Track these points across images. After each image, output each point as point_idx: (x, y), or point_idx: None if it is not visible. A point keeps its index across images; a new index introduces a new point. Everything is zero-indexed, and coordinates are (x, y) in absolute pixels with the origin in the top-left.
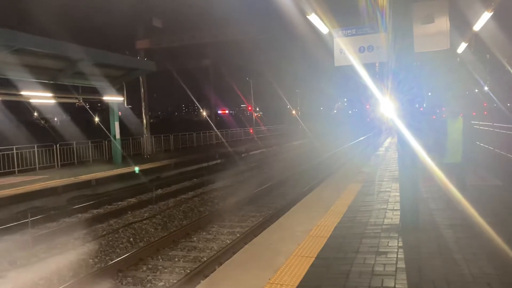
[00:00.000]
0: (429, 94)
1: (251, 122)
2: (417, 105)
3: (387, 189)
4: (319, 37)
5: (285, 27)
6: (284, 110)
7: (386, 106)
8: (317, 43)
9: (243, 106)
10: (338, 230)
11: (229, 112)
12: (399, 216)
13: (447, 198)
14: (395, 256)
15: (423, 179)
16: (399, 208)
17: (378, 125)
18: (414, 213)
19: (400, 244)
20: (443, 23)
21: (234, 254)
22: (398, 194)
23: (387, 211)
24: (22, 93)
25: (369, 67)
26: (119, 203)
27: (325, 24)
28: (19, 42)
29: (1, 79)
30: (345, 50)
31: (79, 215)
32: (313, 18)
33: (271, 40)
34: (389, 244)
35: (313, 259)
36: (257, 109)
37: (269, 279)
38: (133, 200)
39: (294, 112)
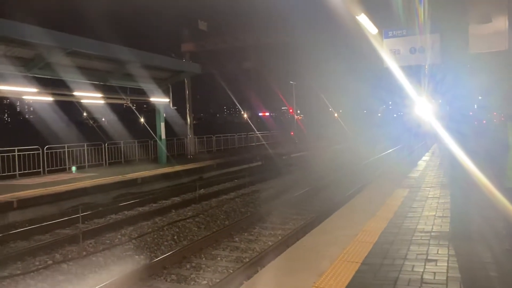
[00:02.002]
0: (479, 97)
1: (292, 124)
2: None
3: (435, 196)
4: (366, 38)
5: (329, 28)
6: (326, 112)
7: (425, 108)
8: (364, 44)
9: (284, 109)
10: (385, 236)
11: (270, 114)
12: (448, 224)
13: (501, 206)
14: (446, 264)
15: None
16: (448, 215)
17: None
18: (466, 221)
19: (451, 252)
20: (501, 22)
21: (277, 256)
22: (446, 200)
23: (436, 218)
24: (75, 93)
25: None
26: (164, 201)
27: (374, 24)
28: (73, 45)
29: (56, 80)
30: (396, 51)
31: (126, 212)
32: (362, 19)
33: (314, 42)
34: (439, 252)
35: (359, 264)
36: (298, 111)
37: (314, 283)
38: (177, 199)
39: (336, 114)
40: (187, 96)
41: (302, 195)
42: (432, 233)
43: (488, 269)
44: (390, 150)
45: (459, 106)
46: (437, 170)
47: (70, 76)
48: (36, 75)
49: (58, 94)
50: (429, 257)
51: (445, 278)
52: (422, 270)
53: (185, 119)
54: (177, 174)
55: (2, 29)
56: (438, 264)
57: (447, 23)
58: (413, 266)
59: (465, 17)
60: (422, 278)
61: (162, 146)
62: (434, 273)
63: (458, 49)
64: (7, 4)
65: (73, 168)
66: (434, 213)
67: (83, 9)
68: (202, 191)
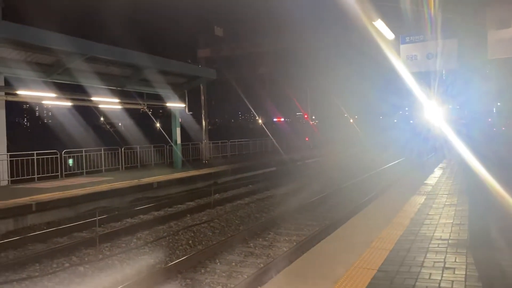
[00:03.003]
0: (498, 104)
1: (307, 130)
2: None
3: (453, 203)
4: (382, 44)
5: (344, 34)
6: (341, 118)
7: (439, 113)
8: (380, 50)
9: (299, 114)
10: (401, 243)
11: (284, 120)
12: (466, 232)
13: None
14: (464, 273)
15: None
16: (466, 223)
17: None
18: (485, 229)
19: (470, 260)
20: None
21: (292, 262)
22: (464, 208)
23: (454, 225)
24: (93, 98)
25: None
26: (179, 206)
27: (391, 30)
28: (92, 51)
29: (74, 86)
30: (412, 56)
31: (141, 216)
32: (379, 24)
33: (329, 48)
34: (457, 260)
35: (375, 271)
36: (313, 117)
37: None
38: (192, 203)
39: (351, 120)
40: (202, 102)
41: (317, 201)
42: (450, 241)
43: (509, 278)
44: (405, 157)
45: (478, 111)
46: (454, 177)
47: (88, 81)
48: (56, 81)
49: (76, 99)
50: (446, 265)
51: (463, 287)
52: (439, 278)
53: (200, 124)
54: (192, 179)
55: (24, 35)
56: (456, 273)
57: (465, 28)
58: (430, 274)
59: (484, 22)
60: (439, 287)
61: (178, 151)
62: (452, 281)
63: (476, 54)
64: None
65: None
66: (451, 221)
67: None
68: (216, 196)
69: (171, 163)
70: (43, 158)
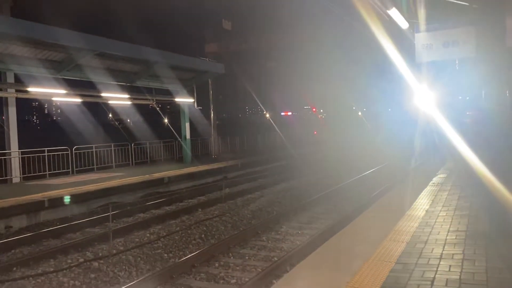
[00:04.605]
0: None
1: (315, 123)
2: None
3: (469, 195)
4: (396, 33)
5: (353, 26)
6: (349, 111)
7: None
8: (393, 40)
9: (307, 108)
10: (417, 235)
11: (292, 114)
12: (485, 223)
13: None
14: (484, 264)
15: None
16: (484, 214)
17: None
18: (504, 219)
19: (489, 252)
20: None
21: (306, 256)
22: (482, 199)
23: (470, 216)
24: (102, 94)
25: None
26: (190, 200)
27: (405, 18)
28: (101, 47)
29: (84, 82)
30: (428, 45)
31: (153, 211)
32: (393, 13)
33: (337, 40)
34: (476, 252)
35: (393, 264)
36: (321, 110)
37: (348, 282)
38: (203, 198)
39: (360, 113)
40: (210, 96)
41: (328, 194)
42: (468, 232)
43: None
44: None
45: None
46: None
47: (97, 77)
48: (65, 77)
49: (86, 95)
50: (466, 257)
51: (485, 279)
52: (459, 270)
53: (209, 119)
54: (202, 173)
55: (34, 32)
56: (476, 264)
57: (482, 15)
58: (450, 266)
59: (502, 8)
60: (460, 279)
61: (187, 146)
62: (473, 273)
63: (494, 42)
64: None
65: None
66: (467, 212)
67: (105, 9)
68: (227, 190)
69: (181, 158)
70: (54, 154)
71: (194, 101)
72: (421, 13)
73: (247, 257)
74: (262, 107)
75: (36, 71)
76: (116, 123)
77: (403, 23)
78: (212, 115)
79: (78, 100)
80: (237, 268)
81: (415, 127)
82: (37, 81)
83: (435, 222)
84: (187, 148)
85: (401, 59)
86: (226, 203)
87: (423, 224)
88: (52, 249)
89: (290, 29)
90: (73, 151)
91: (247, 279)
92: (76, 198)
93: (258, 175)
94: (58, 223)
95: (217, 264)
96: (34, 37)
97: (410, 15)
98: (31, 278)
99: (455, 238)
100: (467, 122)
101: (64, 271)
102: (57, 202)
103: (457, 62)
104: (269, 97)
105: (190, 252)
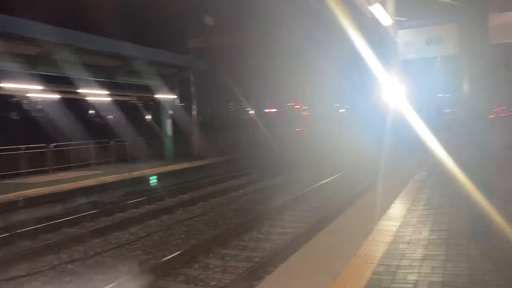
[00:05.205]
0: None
1: (299, 120)
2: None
3: (452, 192)
4: (378, 30)
5: (335, 23)
6: (331, 108)
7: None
8: (374, 36)
9: (291, 104)
10: (400, 235)
11: (276, 110)
12: (468, 222)
13: None
14: (467, 265)
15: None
16: (467, 213)
17: None
18: (486, 218)
19: (471, 252)
20: None
21: (289, 256)
22: (465, 196)
23: (453, 215)
24: (81, 90)
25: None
26: (171, 199)
27: (388, 14)
28: (79, 42)
29: (61, 77)
30: (411, 42)
31: (133, 210)
32: (376, 9)
33: (319, 36)
34: (459, 252)
35: (375, 265)
36: (305, 107)
37: (329, 286)
38: (184, 196)
39: (343, 110)
40: (192, 93)
41: (310, 192)
42: (450, 231)
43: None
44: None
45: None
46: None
47: (76, 73)
48: (42, 73)
49: (64, 92)
50: (448, 258)
51: (467, 280)
52: (442, 272)
53: (191, 116)
54: (184, 171)
55: (5, 25)
56: (458, 265)
57: (465, 12)
58: (433, 267)
59: (485, 5)
60: (442, 281)
61: (168, 143)
62: (456, 275)
63: (477, 39)
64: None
65: None
66: (450, 211)
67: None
68: (210, 188)
69: (162, 155)
70: (31, 152)
71: (175, 98)
72: (404, 9)
73: (228, 258)
74: (246, 103)
75: (9, 66)
76: (97, 120)
77: (385, 20)
78: (194, 112)
79: (56, 96)
80: (218, 269)
81: (387, 125)
82: (11, 77)
83: (417, 221)
84: (168, 145)
85: (374, 55)
86: (208, 202)
87: (405, 223)
88: (25, 251)
89: (274, 25)
90: (51, 149)
91: (227, 281)
92: (53, 197)
93: (241, 172)
94: (33, 223)
95: (197, 266)
96: (6, 31)
97: (393, 12)
98: (3, 282)
99: (438, 238)
100: (445, 119)
101: (37, 274)
102: (33, 201)
103: (438, 60)
104: (253, 94)
105: (170, 253)
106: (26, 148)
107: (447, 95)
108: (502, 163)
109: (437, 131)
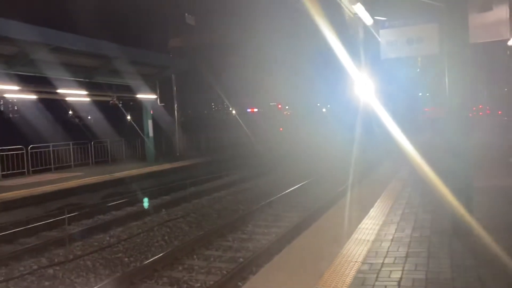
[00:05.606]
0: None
1: (281, 120)
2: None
3: (434, 190)
4: (360, 29)
5: (313, 22)
6: (313, 108)
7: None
8: (356, 35)
9: (273, 104)
10: (383, 233)
11: (258, 110)
12: (449, 219)
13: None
14: (449, 262)
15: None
16: (449, 210)
17: None
18: (467, 215)
19: (453, 249)
20: (502, 11)
21: (273, 256)
22: (446, 194)
23: (435, 213)
24: (59, 91)
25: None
26: (154, 200)
27: (370, 14)
28: (57, 41)
29: (39, 78)
30: (393, 42)
31: (114, 212)
32: (358, 8)
33: (300, 36)
34: (441, 249)
35: (360, 264)
36: (287, 107)
37: (315, 285)
38: (167, 197)
39: (324, 110)
40: (174, 93)
41: (294, 192)
42: (432, 229)
43: (492, 266)
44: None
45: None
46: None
47: (54, 73)
48: (19, 72)
49: (42, 92)
50: (431, 255)
51: (450, 277)
52: (425, 269)
53: (173, 116)
54: (166, 172)
55: None
56: (441, 262)
57: (446, 12)
58: (416, 265)
59: (465, 5)
60: (426, 278)
61: (150, 144)
62: (438, 272)
63: (460, 39)
64: None
65: None
66: (432, 208)
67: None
68: (192, 189)
69: (144, 156)
70: (8, 154)
71: (157, 98)
72: (385, 9)
73: (212, 259)
74: (228, 103)
75: None
76: (76, 121)
77: (367, 20)
78: (175, 112)
79: (34, 96)
80: (202, 271)
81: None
82: None
83: (400, 219)
84: (150, 146)
85: (354, 54)
86: (191, 203)
87: (388, 221)
88: (3, 255)
89: (255, 25)
90: (29, 150)
91: (211, 283)
92: (32, 200)
93: (224, 173)
94: (11, 227)
95: (181, 267)
96: None
97: (375, 12)
98: None
99: (420, 236)
100: (423, 118)
101: (16, 279)
102: (10, 204)
103: (419, 59)
104: (235, 93)
105: (153, 255)
106: (2, 150)
107: (427, 94)
108: (480, 162)
109: (416, 130)
